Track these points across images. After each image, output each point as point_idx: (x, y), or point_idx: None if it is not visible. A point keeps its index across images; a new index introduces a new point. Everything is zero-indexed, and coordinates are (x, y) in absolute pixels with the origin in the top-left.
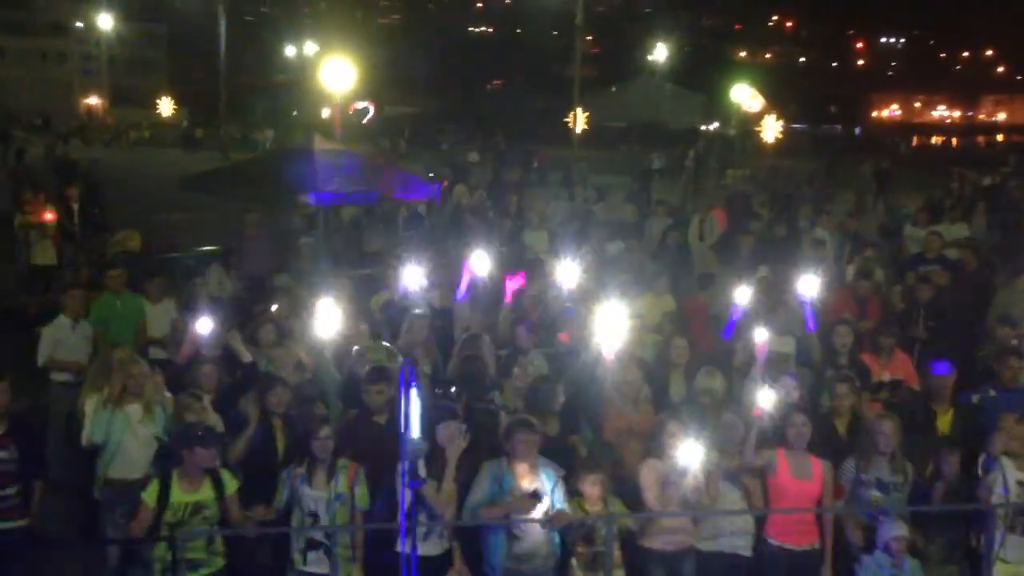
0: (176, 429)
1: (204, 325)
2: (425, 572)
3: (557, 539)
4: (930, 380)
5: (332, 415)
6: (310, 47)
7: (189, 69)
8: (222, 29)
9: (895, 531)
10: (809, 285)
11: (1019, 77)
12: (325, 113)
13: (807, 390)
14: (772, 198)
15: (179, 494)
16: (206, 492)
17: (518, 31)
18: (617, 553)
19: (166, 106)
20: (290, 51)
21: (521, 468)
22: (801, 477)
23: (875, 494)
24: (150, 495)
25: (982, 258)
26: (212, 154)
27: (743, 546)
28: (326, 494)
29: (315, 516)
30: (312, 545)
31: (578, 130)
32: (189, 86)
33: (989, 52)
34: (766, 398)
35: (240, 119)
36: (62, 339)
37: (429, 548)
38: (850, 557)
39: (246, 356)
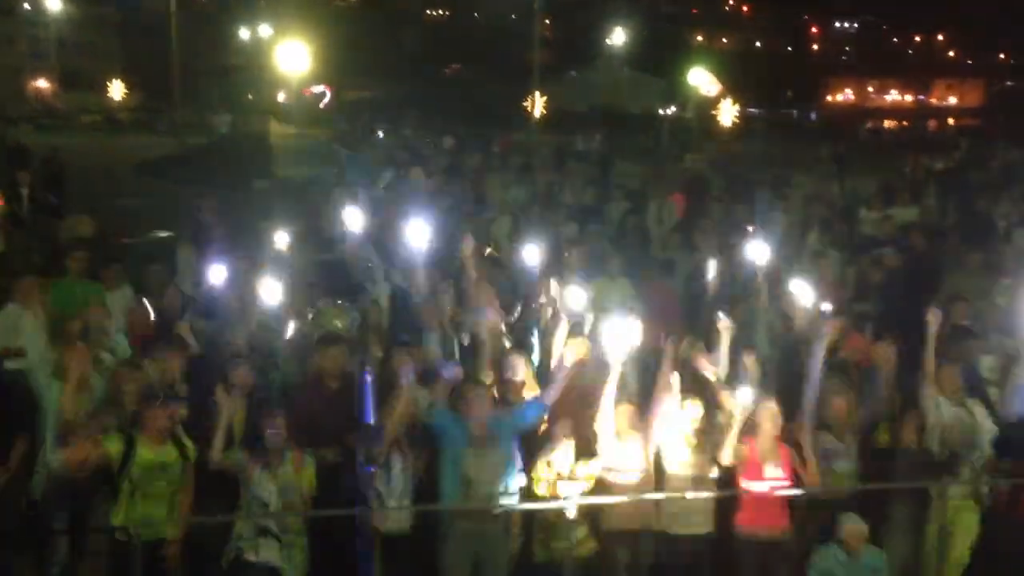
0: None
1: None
2: (388, 550)
3: (516, 498)
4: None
5: (279, 377)
6: (265, 30)
7: (141, 53)
8: (173, 10)
9: (853, 525)
10: (759, 251)
11: (969, 62)
12: (281, 97)
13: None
14: (730, 182)
15: (146, 452)
16: (170, 453)
17: (475, 15)
18: (584, 531)
19: (118, 90)
20: (244, 34)
21: (477, 425)
22: (772, 464)
23: (831, 439)
24: (112, 444)
25: (932, 240)
26: (166, 139)
27: (703, 527)
28: (275, 483)
29: (265, 504)
30: (261, 532)
31: (537, 115)
32: (141, 70)
33: (940, 37)
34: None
35: (194, 103)
36: (12, 326)
37: (391, 525)
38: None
39: (195, 347)
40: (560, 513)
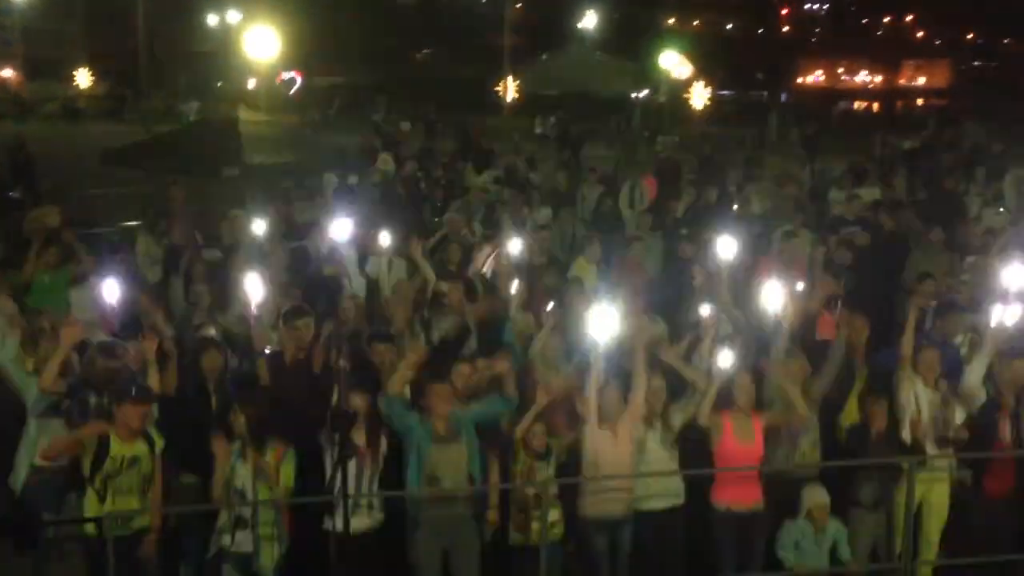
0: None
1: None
2: (356, 548)
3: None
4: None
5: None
6: (233, 16)
7: (108, 40)
8: None
9: (818, 498)
10: (727, 247)
11: (937, 42)
12: (251, 84)
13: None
14: (702, 164)
15: (118, 446)
16: (140, 446)
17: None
18: (556, 514)
19: (84, 78)
20: (213, 20)
21: (439, 420)
22: (744, 440)
23: (804, 439)
24: (88, 438)
25: (900, 219)
26: (134, 127)
27: (676, 498)
28: (252, 473)
29: (242, 494)
30: (239, 524)
31: (509, 99)
32: (108, 57)
33: (909, 18)
34: (724, 358)
35: (162, 90)
36: None
37: (358, 522)
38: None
39: (166, 333)
40: (535, 495)
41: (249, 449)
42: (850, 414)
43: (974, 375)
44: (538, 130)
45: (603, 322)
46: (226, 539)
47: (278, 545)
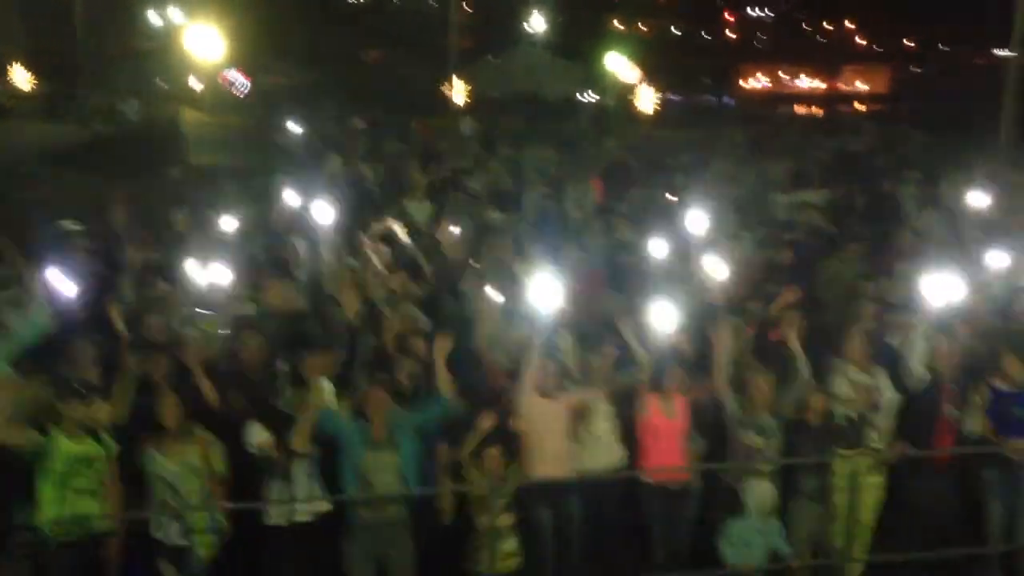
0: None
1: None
2: (299, 539)
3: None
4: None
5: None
6: (176, 14)
7: (45, 37)
8: None
9: (761, 489)
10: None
11: (876, 48)
12: (194, 83)
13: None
14: (648, 167)
15: (68, 444)
16: (91, 446)
17: (394, 0)
18: (509, 519)
19: (20, 76)
20: (155, 18)
21: (376, 425)
22: (668, 415)
23: (756, 439)
24: (30, 439)
25: (838, 222)
26: (72, 126)
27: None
28: (179, 465)
29: (173, 488)
30: (169, 513)
31: (457, 101)
32: (46, 55)
33: (849, 24)
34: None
35: (102, 89)
36: None
37: (298, 515)
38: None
39: (121, 327)
40: (490, 524)
41: (171, 440)
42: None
43: (915, 359)
44: (465, 132)
45: (544, 293)
46: (159, 533)
47: (214, 536)
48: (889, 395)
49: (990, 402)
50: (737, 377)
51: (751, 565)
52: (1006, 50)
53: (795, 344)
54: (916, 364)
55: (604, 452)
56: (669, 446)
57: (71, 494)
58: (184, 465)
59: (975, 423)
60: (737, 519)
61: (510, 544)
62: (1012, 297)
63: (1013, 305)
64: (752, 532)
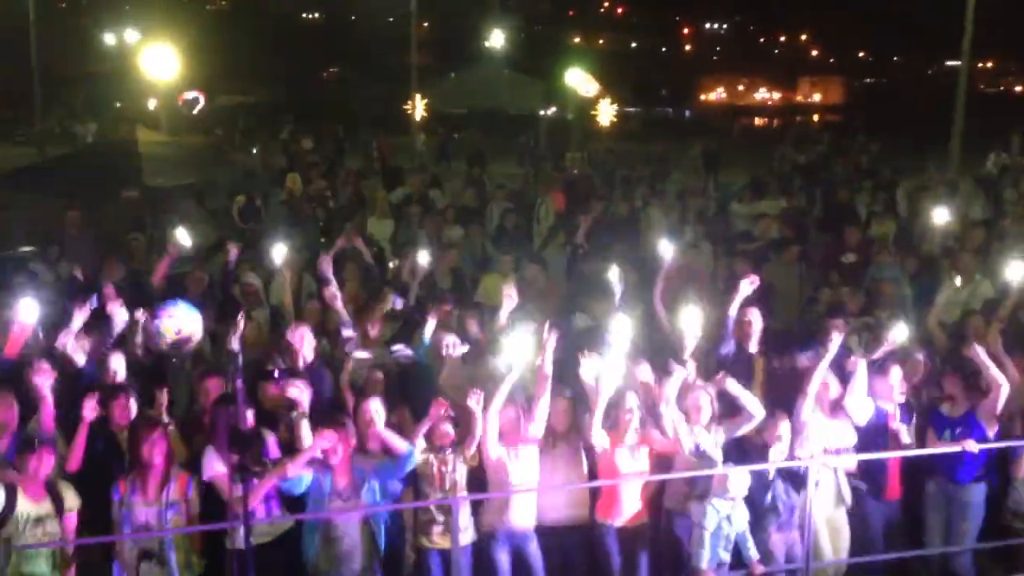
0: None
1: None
2: (260, 559)
3: (382, 539)
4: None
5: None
6: (131, 35)
7: None
8: (32, 17)
9: (734, 476)
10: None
11: (831, 60)
12: (151, 104)
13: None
14: (607, 179)
15: (24, 503)
16: (47, 506)
17: (352, 18)
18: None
19: None
20: (110, 39)
21: (341, 476)
22: (631, 456)
23: (694, 459)
24: None
25: (795, 231)
26: (26, 149)
27: (579, 516)
28: (158, 504)
29: (146, 527)
30: (145, 556)
31: (418, 117)
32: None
33: (804, 36)
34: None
35: (57, 111)
36: None
37: (260, 537)
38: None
39: (80, 360)
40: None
41: (151, 481)
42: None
43: (858, 390)
44: (417, 147)
45: (518, 349)
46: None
47: (190, 573)
48: (852, 434)
49: (932, 421)
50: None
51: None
52: (956, 60)
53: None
54: (859, 393)
55: (569, 501)
56: (630, 488)
57: (19, 555)
58: (164, 505)
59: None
60: (707, 506)
61: (464, 520)
62: (962, 321)
63: (964, 329)
64: (719, 514)
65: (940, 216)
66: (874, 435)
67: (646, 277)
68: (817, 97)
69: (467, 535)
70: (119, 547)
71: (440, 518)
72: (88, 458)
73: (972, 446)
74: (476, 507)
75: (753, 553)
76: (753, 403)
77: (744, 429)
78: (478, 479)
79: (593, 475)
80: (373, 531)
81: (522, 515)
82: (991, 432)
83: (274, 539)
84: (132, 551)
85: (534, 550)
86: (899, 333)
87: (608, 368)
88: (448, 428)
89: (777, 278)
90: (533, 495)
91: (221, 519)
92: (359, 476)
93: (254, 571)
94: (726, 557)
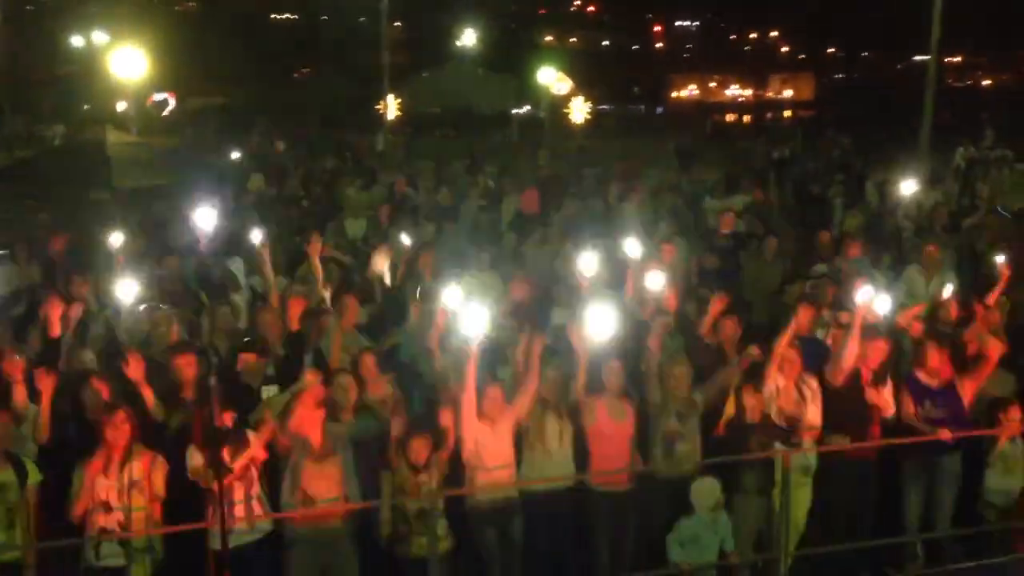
0: None
1: None
2: (235, 562)
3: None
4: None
5: None
6: (100, 36)
7: None
8: None
9: (707, 488)
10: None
11: (800, 56)
12: (121, 106)
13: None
14: (580, 177)
15: None
16: (7, 474)
17: (324, 18)
18: (443, 523)
19: None
20: (78, 41)
21: (316, 439)
22: (617, 419)
23: (674, 423)
24: None
25: (767, 225)
26: None
27: (566, 480)
28: (118, 482)
29: (107, 505)
30: (104, 534)
31: (391, 117)
32: None
33: (774, 33)
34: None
35: (25, 114)
36: None
37: (238, 537)
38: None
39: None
40: (421, 508)
41: (114, 461)
42: (729, 407)
43: (847, 361)
44: (380, 147)
45: (475, 319)
46: (91, 555)
47: (150, 557)
48: (818, 405)
49: (912, 393)
50: (659, 369)
51: (699, 563)
52: (924, 55)
53: (730, 349)
54: (842, 359)
55: (555, 469)
56: (616, 451)
57: None
58: (126, 483)
59: (901, 412)
60: (687, 519)
61: (443, 528)
62: (934, 303)
63: (937, 310)
64: (703, 528)
65: (908, 188)
66: (850, 398)
67: (620, 273)
68: (788, 93)
69: (446, 542)
70: (82, 523)
71: (419, 529)
72: (61, 443)
73: (946, 435)
74: (458, 486)
75: (728, 546)
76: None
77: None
78: (454, 456)
79: (581, 442)
80: (347, 495)
81: (504, 491)
82: (967, 403)
83: (258, 540)
84: (92, 533)
85: (519, 525)
86: (881, 304)
87: (590, 329)
88: (422, 444)
89: (760, 272)
90: (513, 469)
91: (201, 513)
92: (332, 438)
93: (237, 571)
94: (704, 558)
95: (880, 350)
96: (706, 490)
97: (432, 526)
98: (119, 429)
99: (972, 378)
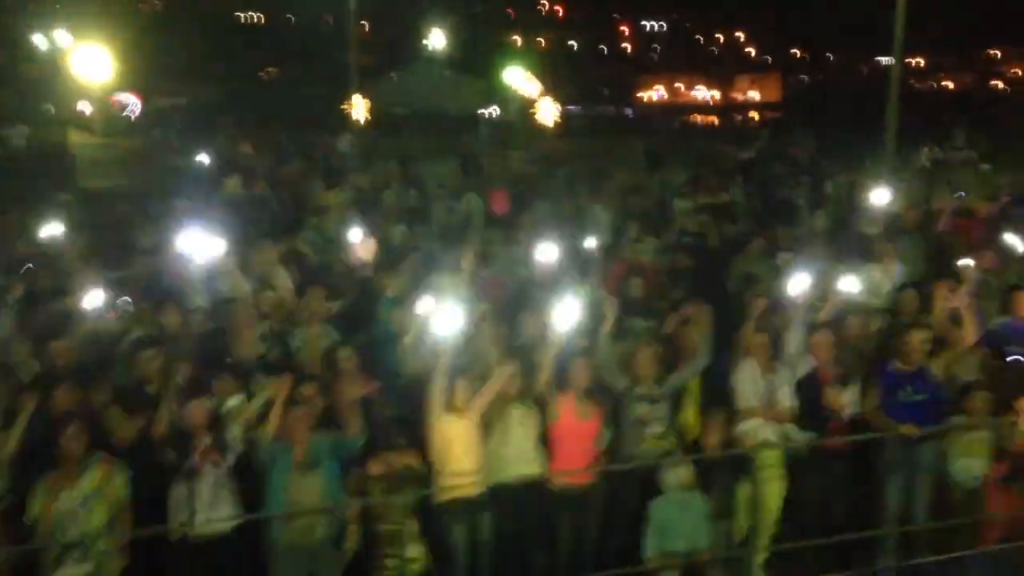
0: None
1: None
2: (207, 555)
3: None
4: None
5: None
6: (62, 37)
7: None
8: None
9: (678, 472)
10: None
11: (767, 58)
12: (84, 106)
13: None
14: (551, 178)
15: None
16: None
17: (290, 17)
18: (414, 525)
19: None
20: (39, 41)
21: (299, 448)
22: (583, 417)
23: (642, 407)
24: None
25: (736, 225)
26: None
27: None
28: (78, 492)
29: (67, 515)
30: (66, 548)
31: (360, 118)
32: None
33: (740, 35)
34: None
35: None
36: None
37: (205, 528)
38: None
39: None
40: (394, 529)
41: (71, 470)
42: (690, 416)
43: (792, 346)
44: (342, 148)
45: (448, 320)
46: (52, 567)
47: (113, 565)
48: (789, 390)
49: (880, 385)
50: (624, 356)
51: (674, 550)
52: (888, 57)
53: (693, 339)
54: (793, 349)
55: (521, 462)
56: (580, 449)
57: None
58: (86, 492)
59: (861, 406)
60: (658, 500)
61: (415, 550)
62: (894, 296)
63: (897, 304)
64: (675, 510)
65: (878, 195)
66: (808, 394)
67: (585, 268)
68: (755, 95)
69: (418, 564)
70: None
71: (391, 552)
72: (24, 453)
73: (909, 431)
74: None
75: (703, 533)
76: None
77: None
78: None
79: (546, 435)
80: (331, 500)
81: (472, 487)
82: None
83: (234, 528)
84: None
85: (487, 522)
86: (849, 285)
87: (555, 324)
88: (392, 460)
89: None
90: (479, 464)
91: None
92: (316, 449)
93: (206, 562)
94: (677, 546)
95: (823, 344)
96: (677, 469)
97: (400, 550)
98: (74, 440)
99: (944, 358)
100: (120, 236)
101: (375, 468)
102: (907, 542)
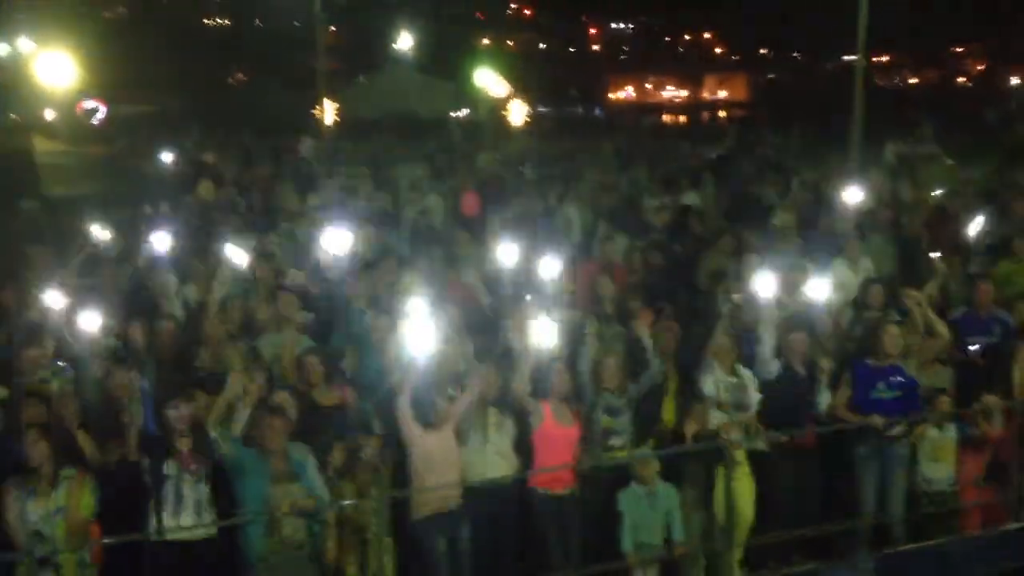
0: None
1: None
2: (185, 560)
3: (315, 526)
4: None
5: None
6: (25, 44)
7: None
8: None
9: (645, 460)
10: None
11: (734, 57)
12: (49, 114)
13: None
14: (522, 179)
15: None
16: None
17: (257, 23)
18: (387, 540)
19: None
20: (2, 48)
21: (276, 458)
22: (563, 423)
23: (605, 418)
24: None
25: (704, 223)
26: None
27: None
28: (44, 509)
29: (39, 533)
30: (42, 563)
31: (328, 122)
32: None
33: (708, 35)
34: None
35: None
36: None
37: (188, 533)
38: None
39: None
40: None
41: (42, 485)
42: (667, 412)
43: (765, 349)
44: (303, 153)
45: (419, 338)
46: None
47: (88, 574)
48: (755, 391)
49: (854, 381)
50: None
51: (649, 544)
52: (853, 56)
53: (646, 336)
54: (765, 351)
55: (497, 464)
56: (560, 454)
57: None
58: (52, 508)
59: (830, 401)
60: (626, 491)
61: (387, 564)
62: (862, 289)
63: (864, 297)
64: (644, 503)
65: (852, 196)
66: (780, 393)
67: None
68: (723, 94)
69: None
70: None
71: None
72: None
73: (876, 421)
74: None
75: (678, 535)
76: None
77: None
78: (400, 461)
79: (524, 439)
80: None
81: (451, 497)
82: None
83: (211, 535)
84: (26, 560)
85: (466, 534)
86: (818, 288)
87: (537, 330)
88: (351, 444)
89: (718, 266)
90: (458, 476)
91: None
92: (294, 460)
93: (184, 569)
94: (653, 539)
95: (798, 342)
96: (643, 460)
97: (379, 544)
98: (35, 449)
99: (917, 356)
100: (87, 243)
101: (338, 456)
102: (884, 536)
